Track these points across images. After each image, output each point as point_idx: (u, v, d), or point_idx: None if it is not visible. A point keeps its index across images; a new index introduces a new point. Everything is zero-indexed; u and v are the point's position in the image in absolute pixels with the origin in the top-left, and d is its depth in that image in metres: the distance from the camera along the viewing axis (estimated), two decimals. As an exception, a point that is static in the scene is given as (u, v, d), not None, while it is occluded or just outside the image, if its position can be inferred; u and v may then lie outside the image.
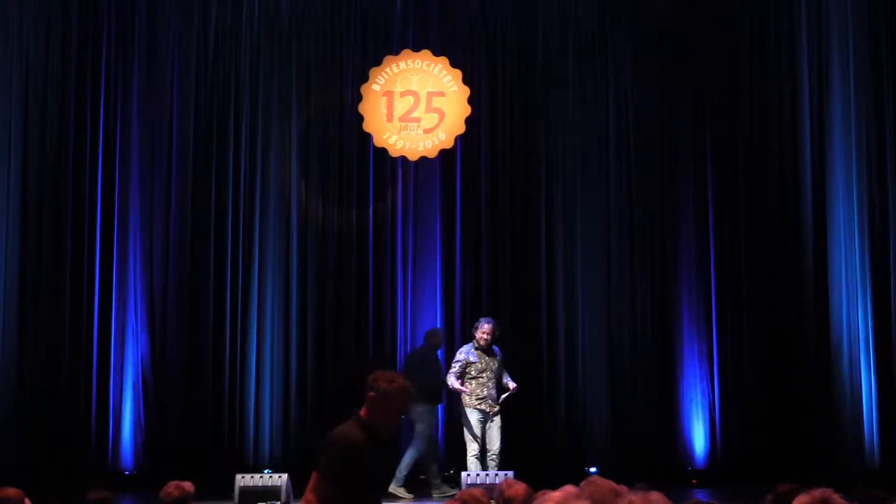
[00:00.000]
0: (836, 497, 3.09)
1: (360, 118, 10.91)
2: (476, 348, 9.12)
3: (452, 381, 9.05)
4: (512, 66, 11.10)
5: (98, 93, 10.67)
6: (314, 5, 11.07)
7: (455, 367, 9.13)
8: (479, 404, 9.00)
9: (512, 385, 9.13)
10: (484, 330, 9.11)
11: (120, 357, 10.43)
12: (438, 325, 10.58)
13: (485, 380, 9.03)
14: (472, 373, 9.06)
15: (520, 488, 3.86)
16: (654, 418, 10.61)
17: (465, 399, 9.05)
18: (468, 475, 8.50)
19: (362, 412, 4.24)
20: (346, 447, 4.08)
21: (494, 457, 8.95)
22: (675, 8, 11.10)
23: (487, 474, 8.45)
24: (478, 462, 8.91)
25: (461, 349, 9.31)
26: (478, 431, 8.98)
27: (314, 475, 4.07)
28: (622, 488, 3.83)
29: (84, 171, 10.57)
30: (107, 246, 10.53)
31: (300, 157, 10.92)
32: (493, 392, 9.07)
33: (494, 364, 9.13)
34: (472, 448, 8.96)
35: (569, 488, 3.68)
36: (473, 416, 8.99)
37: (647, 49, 11.07)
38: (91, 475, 9.63)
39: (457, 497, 3.90)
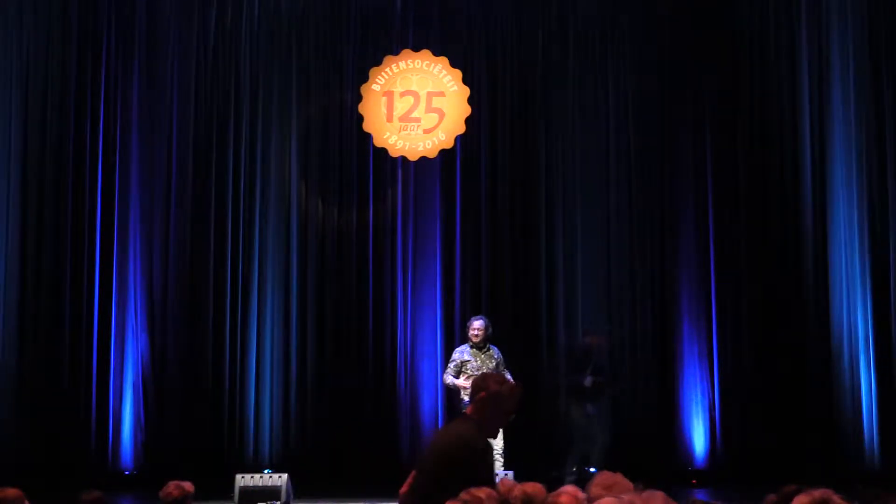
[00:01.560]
0: (836, 497, 3.09)
1: (360, 118, 10.91)
2: (471, 347, 9.12)
3: (451, 379, 9.05)
4: (512, 66, 11.10)
5: (98, 93, 10.67)
6: (314, 5, 11.07)
7: (450, 367, 9.13)
8: None
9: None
10: (474, 327, 9.11)
11: (120, 357, 10.43)
12: (438, 324, 10.62)
13: None
14: (469, 372, 9.04)
15: (524, 487, 3.83)
16: (654, 418, 10.61)
17: (465, 399, 9.03)
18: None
19: (469, 412, 4.20)
20: (484, 450, 4.01)
21: (498, 455, 8.93)
22: (675, 8, 11.09)
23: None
24: None
25: (457, 349, 9.30)
26: None
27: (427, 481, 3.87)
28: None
29: (84, 170, 10.57)
30: (107, 246, 10.53)
31: (300, 157, 10.92)
32: None
33: (491, 363, 9.09)
34: None
35: (569, 489, 3.68)
36: None
37: (647, 49, 11.07)
38: (91, 475, 9.63)
39: (459, 497, 3.87)
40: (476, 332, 9.08)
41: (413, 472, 4.22)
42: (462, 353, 9.13)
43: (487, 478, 3.98)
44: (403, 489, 4.19)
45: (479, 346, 9.09)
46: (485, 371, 9.01)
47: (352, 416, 10.54)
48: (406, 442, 10.58)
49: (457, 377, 9.06)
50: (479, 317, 9.28)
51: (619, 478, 3.74)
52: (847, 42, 10.49)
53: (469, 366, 9.04)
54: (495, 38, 11.13)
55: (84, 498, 4.80)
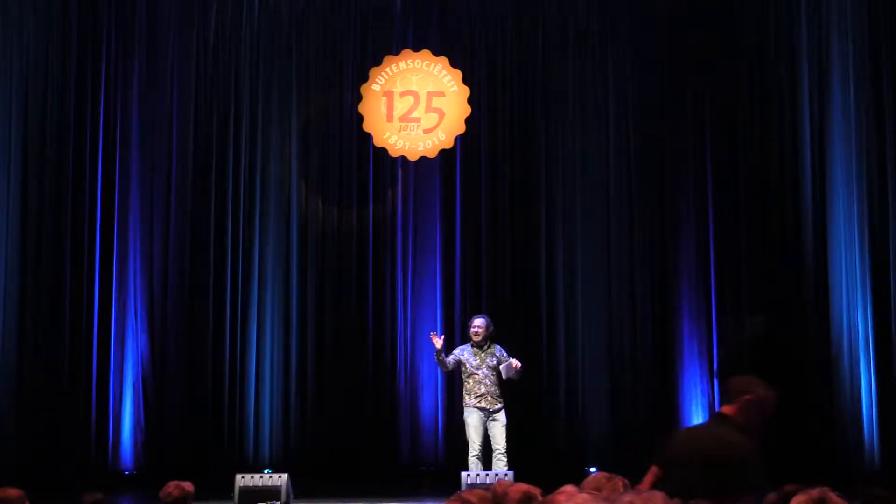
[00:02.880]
0: (833, 496, 3.09)
1: (360, 118, 10.91)
2: (472, 346, 9.10)
3: (441, 358, 9.01)
4: (512, 66, 11.09)
5: (98, 93, 10.67)
6: (314, 5, 11.08)
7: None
8: (478, 402, 8.96)
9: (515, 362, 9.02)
10: (475, 325, 9.07)
11: (120, 357, 10.44)
12: (438, 324, 10.62)
13: (481, 377, 8.98)
14: (468, 370, 9.03)
15: (520, 488, 3.84)
16: (654, 418, 10.60)
17: (465, 399, 9.03)
18: (468, 475, 8.49)
19: (731, 413, 3.97)
20: (756, 457, 3.81)
21: (501, 455, 8.91)
22: (675, 8, 11.08)
23: (487, 474, 8.44)
24: (479, 462, 8.88)
25: (458, 347, 9.29)
26: (479, 431, 8.94)
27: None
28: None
29: (84, 170, 10.58)
30: (107, 246, 10.53)
31: (300, 157, 10.92)
32: (493, 388, 9.01)
33: (493, 361, 9.07)
34: (474, 448, 8.93)
35: (568, 488, 3.68)
36: (473, 416, 8.97)
37: (647, 49, 11.06)
38: (91, 475, 9.64)
39: (454, 497, 3.87)
40: (476, 331, 9.06)
41: (654, 470, 3.95)
42: (463, 350, 9.13)
43: (761, 484, 3.78)
44: (644, 486, 3.91)
45: (480, 345, 9.08)
46: (485, 371, 8.98)
47: (352, 416, 10.55)
48: (406, 442, 10.58)
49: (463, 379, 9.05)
50: (480, 315, 9.26)
51: (612, 479, 3.72)
52: (847, 42, 10.48)
53: (469, 364, 9.03)
54: (495, 38, 11.12)
55: (85, 499, 4.80)
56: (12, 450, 9.95)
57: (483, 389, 8.95)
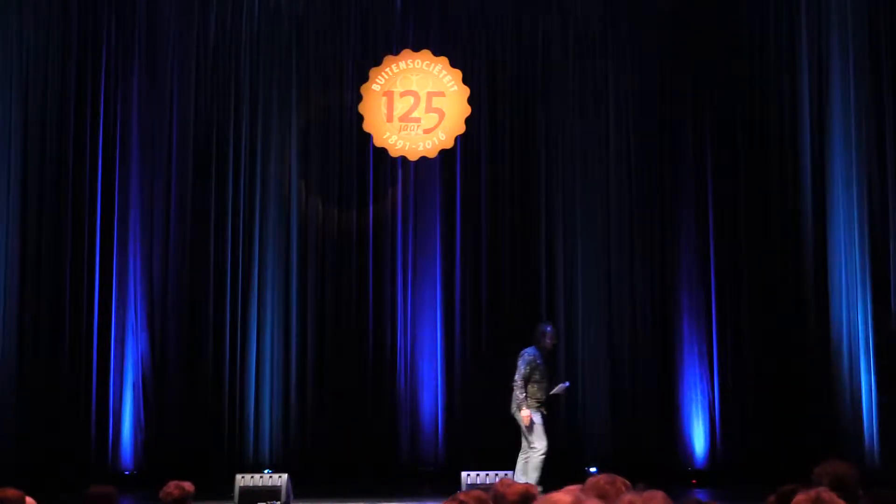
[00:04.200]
0: (834, 496, 3.10)
1: (360, 118, 10.92)
2: (542, 353, 9.16)
3: (522, 394, 8.92)
4: (512, 66, 11.10)
5: (98, 93, 10.68)
6: (314, 5, 11.08)
7: (523, 371, 8.99)
8: (539, 407, 9.01)
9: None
10: (552, 335, 9.24)
11: (120, 357, 10.44)
12: (438, 324, 10.62)
13: (546, 385, 9.08)
14: (537, 377, 9.03)
15: (518, 487, 3.84)
16: (654, 418, 10.61)
17: (528, 402, 8.96)
18: (468, 475, 8.48)
19: None
20: None
21: (541, 455, 8.94)
22: (675, 8, 11.09)
23: (487, 474, 8.43)
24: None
25: (528, 352, 9.12)
26: (543, 431, 8.93)
27: None
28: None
29: (84, 171, 10.58)
30: (107, 246, 10.54)
31: (300, 157, 10.93)
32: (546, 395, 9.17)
33: (547, 368, 9.25)
34: (542, 447, 8.87)
35: (571, 488, 3.67)
36: (537, 418, 8.98)
37: (647, 49, 11.06)
38: (91, 475, 9.63)
39: (454, 497, 3.86)
40: (554, 341, 9.30)
41: None
42: (536, 357, 9.10)
43: None
44: None
45: (549, 353, 9.26)
46: (548, 379, 9.07)
47: (352, 416, 10.55)
48: (406, 442, 10.58)
49: (528, 382, 8.99)
50: (549, 323, 9.48)
51: (614, 483, 3.69)
52: (847, 42, 10.48)
53: (538, 371, 9.06)
54: (495, 38, 11.13)
55: (93, 492, 4.78)
56: (12, 450, 9.95)
57: (544, 397, 9.07)
